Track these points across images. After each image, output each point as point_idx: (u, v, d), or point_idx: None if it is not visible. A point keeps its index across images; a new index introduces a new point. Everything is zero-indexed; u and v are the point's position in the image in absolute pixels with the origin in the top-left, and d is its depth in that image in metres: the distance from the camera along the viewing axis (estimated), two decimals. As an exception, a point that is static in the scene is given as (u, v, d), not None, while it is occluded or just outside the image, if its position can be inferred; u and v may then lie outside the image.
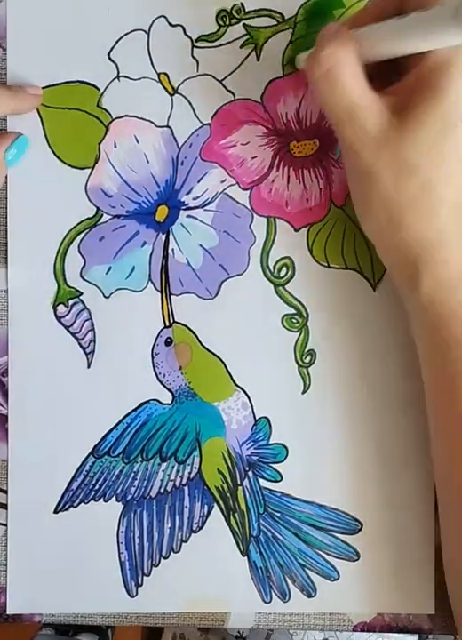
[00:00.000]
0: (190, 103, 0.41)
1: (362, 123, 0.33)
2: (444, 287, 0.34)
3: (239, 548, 0.42)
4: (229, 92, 0.41)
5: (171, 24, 0.40)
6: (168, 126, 0.41)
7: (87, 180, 0.41)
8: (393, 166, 0.33)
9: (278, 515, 0.42)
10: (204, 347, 0.41)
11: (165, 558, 0.42)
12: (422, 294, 0.34)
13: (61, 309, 0.41)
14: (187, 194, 0.41)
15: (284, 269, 0.41)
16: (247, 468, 0.42)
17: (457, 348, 0.34)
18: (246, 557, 0.42)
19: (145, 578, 0.42)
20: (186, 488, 0.42)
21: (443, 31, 0.29)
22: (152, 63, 0.41)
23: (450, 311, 0.34)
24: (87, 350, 0.41)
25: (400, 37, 0.31)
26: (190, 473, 0.42)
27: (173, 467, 0.42)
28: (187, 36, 0.41)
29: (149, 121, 0.41)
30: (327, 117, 0.34)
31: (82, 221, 0.41)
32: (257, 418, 0.42)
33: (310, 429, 0.42)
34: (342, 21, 0.35)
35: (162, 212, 0.41)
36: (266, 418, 0.42)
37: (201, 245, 0.41)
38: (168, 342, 0.41)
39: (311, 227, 0.41)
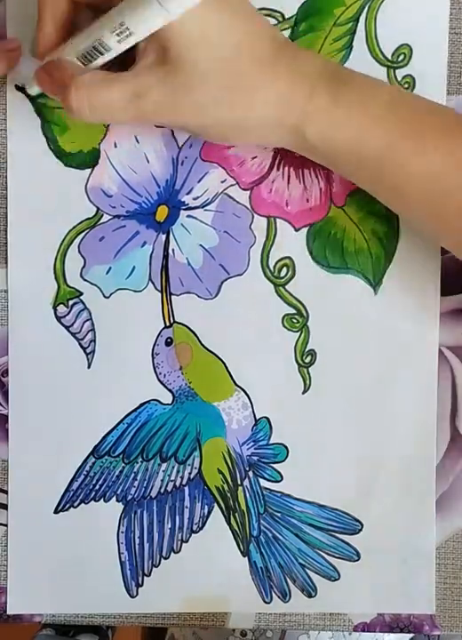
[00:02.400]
0: (190, 103, 0.41)
1: (143, 100, 0.34)
2: (331, 124, 0.34)
3: (239, 548, 0.42)
4: (229, 91, 0.41)
5: (171, 24, 0.40)
6: (168, 126, 0.41)
7: (87, 180, 0.41)
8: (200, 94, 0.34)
9: (278, 515, 0.42)
10: (205, 347, 0.41)
11: (165, 558, 0.42)
12: (310, 136, 0.34)
13: (61, 309, 0.41)
14: (188, 194, 0.41)
15: (284, 269, 0.41)
16: (247, 468, 0.42)
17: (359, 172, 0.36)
18: (246, 557, 0.42)
19: (145, 578, 0.42)
20: (186, 488, 0.42)
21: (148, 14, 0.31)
22: (152, 63, 0.40)
23: (340, 146, 0.35)
24: (87, 350, 0.41)
25: (107, 31, 0.33)
26: (190, 473, 0.42)
27: (173, 467, 0.42)
28: (187, 35, 0.40)
29: (149, 121, 0.41)
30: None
31: (82, 221, 0.41)
32: (257, 418, 0.42)
33: (310, 429, 0.41)
34: (39, 51, 0.37)
35: (162, 212, 0.41)
36: (266, 418, 0.42)
37: (201, 245, 0.41)
38: (168, 342, 0.41)
39: (311, 227, 0.41)
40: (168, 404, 0.42)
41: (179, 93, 0.34)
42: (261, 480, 0.42)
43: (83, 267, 0.41)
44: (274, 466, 0.42)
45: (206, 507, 0.42)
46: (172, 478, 0.42)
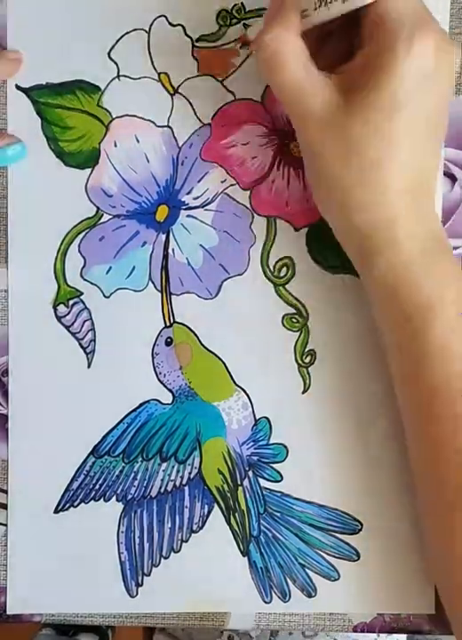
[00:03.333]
0: (190, 103, 0.41)
1: (306, 103, 0.33)
2: (398, 267, 0.34)
3: (239, 548, 0.42)
4: (229, 92, 0.41)
5: (171, 24, 0.40)
6: (168, 126, 0.41)
7: (87, 180, 0.41)
8: (339, 146, 0.33)
9: (278, 515, 0.42)
10: (205, 346, 0.41)
11: (165, 558, 0.42)
12: (378, 275, 0.35)
13: (61, 309, 0.41)
14: (188, 194, 0.41)
15: (284, 269, 0.41)
16: (247, 468, 0.42)
17: (413, 321, 0.34)
18: (246, 557, 0.42)
19: (145, 578, 0.42)
20: (186, 488, 0.42)
21: None
22: (152, 63, 0.41)
23: (406, 291, 0.34)
24: (87, 350, 0.41)
25: None
26: (190, 473, 0.42)
27: (173, 467, 0.42)
28: (187, 35, 0.41)
29: (150, 121, 0.41)
30: (276, 98, 0.35)
31: (82, 221, 0.41)
32: (257, 418, 0.42)
33: (310, 429, 0.41)
34: None
35: (162, 212, 0.41)
36: (266, 418, 0.42)
37: (201, 245, 0.41)
38: (168, 342, 0.41)
39: (311, 227, 0.41)
40: (168, 404, 0.42)
41: (339, 116, 0.33)
42: (261, 480, 0.42)
43: (84, 267, 0.41)
44: (274, 466, 0.42)
45: (206, 506, 0.42)
46: (172, 478, 0.42)
